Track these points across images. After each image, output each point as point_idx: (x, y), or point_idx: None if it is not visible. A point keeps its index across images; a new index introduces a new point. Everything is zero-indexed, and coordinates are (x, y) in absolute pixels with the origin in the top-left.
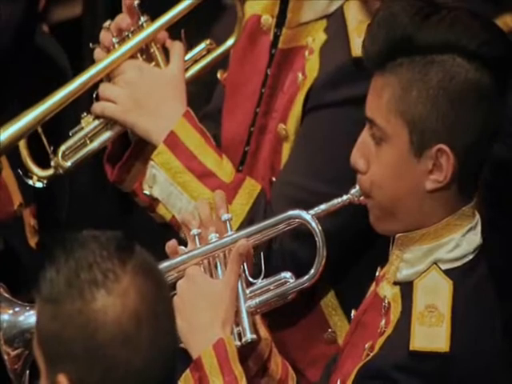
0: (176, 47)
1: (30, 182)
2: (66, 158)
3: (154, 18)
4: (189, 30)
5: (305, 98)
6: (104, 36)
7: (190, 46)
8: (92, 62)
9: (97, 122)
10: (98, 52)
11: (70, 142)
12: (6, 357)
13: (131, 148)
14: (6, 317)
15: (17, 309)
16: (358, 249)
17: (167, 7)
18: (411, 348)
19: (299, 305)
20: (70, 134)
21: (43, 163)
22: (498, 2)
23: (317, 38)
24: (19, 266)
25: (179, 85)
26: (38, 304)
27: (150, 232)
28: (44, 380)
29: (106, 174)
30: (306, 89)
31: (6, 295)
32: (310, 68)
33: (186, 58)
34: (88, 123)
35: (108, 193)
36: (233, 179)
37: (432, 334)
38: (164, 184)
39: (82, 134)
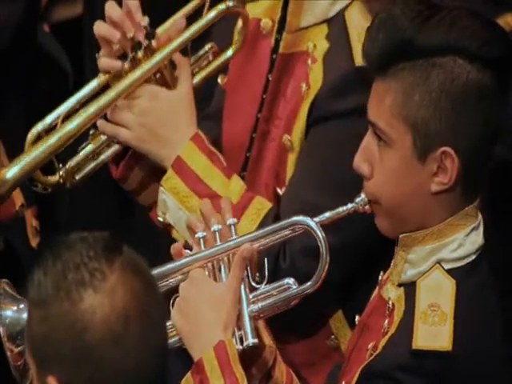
0: (182, 66)
1: (36, 189)
2: (74, 173)
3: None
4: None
5: (309, 108)
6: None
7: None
8: (92, 61)
9: (104, 138)
10: (104, 61)
11: (77, 158)
12: (9, 353)
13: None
14: (9, 313)
15: (21, 305)
16: (365, 263)
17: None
18: (414, 346)
19: (303, 313)
20: (78, 150)
21: (49, 169)
22: (498, 2)
23: (319, 45)
24: (20, 267)
25: (190, 107)
26: (27, 307)
27: (152, 234)
28: (35, 382)
29: (108, 175)
30: (310, 99)
31: (11, 292)
32: (314, 78)
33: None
34: (96, 140)
35: (109, 193)
36: (239, 200)
37: (435, 332)
38: (174, 209)
39: (89, 149)
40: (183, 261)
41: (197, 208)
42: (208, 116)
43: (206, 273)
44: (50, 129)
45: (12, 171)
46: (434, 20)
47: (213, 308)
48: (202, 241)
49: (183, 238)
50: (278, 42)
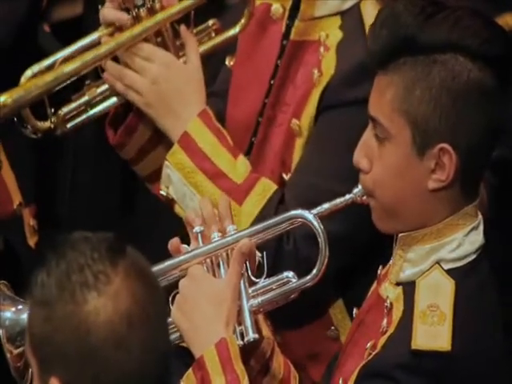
0: (190, 42)
1: (25, 132)
2: (65, 121)
3: None
4: (196, 12)
5: (320, 95)
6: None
7: None
8: None
9: (99, 91)
10: (109, 12)
11: (70, 106)
12: (8, 355)
13: (134, 111)
14: (8, 314)
15: (19, 306)
16: (365, 253)
17: None
18: (413, 347)
19: (304, 305)
20: (72, 99)
21: (42, 116)
22: (498, 1)
23: (332, 34)
24: (19, 266)
25: (199, 82)
26: (29, 306)
27: (152, 230)
28: (37, 382)
29: (108, 173)
30: (321, 86)
31: (9, 293)
32: (327, 65)
33: None
34: (91, 92)
35: (110, 190)
36: (245, 180)
37: (434, 332)
38: (178, 184)
39: (83, 100)
40: (182, 257)
41: (201, 184)
42: (214, 93)
43: (205, 269)
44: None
45: (3, 98)
46: (437, 18)
47: (213, 304)
48: (199, 236)
49: (185, 213)
50: (288, 28)
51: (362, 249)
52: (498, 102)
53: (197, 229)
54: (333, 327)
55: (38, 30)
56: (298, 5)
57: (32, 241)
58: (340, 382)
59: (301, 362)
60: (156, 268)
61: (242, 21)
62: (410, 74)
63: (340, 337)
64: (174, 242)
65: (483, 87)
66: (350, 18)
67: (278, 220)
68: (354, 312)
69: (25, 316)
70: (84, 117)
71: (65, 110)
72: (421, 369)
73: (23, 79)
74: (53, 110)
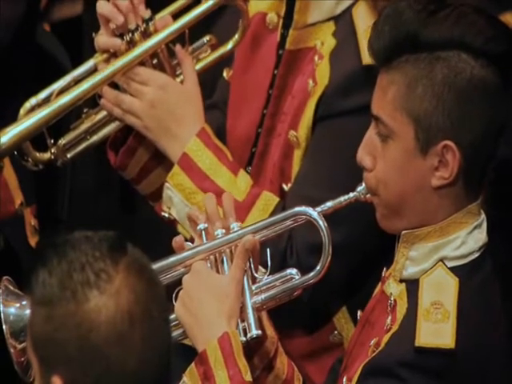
0: (186, 61)
1: (26, 165)
2: (65, 151)
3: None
4: (190, 28)
5: (316, 105)
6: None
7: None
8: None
9: (98, 118)
10: (103, 39)
11: (70, 136)
12: (12, 350)
13: (134, 132)
14: (12, 310)
15: (23, 302)
16: (369, 259)
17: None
18: (417, 344)
19: (307, 309)
20: (71, 128)
21: (41, 146)
22: (500, 0)
23: (326, 42)
24: (19, 266)
25: (197, 101)
26: (31, 306)
27: (152, 230)
28: (38, 379)
29: (109, 171)
30: (316, 96)
31: (13, 289)
32: (321, 75)
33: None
34: (90, 119)
35: (110, 191)
36: (246, 197)
37: (437, 330)
38: (179, 205)
39: (82, 128)
40: (185, 254)
41: (202, 204)
42: (213, 105)
43: (209, 265)
44: (44, 104)
45: (2, 135)
46: (439, 15)
47: (216, 300)
48: (203, 233)
49: (188, 233)
50: (283, 37)
51: (369, 255)
52: (502, 99)
53: (200, 226)
54: (336, 332)
55: (37, 30)
56: (292, 13)
57: (33, 240)
58: (344, 380)
59: (302, 366)
60: (160, 264)
61: (236, 36)
62: (412, 72)
63: (343, 342)
64: (178, 239)
65: (486, 84)
66: (343, 23)
67: (281, 217)
68: (359, 314)
69: (28, 311)
70: (84, 145)
71: (64, 139)
72: (424, 366)
73: (22, 112)
74: (52, 141)
